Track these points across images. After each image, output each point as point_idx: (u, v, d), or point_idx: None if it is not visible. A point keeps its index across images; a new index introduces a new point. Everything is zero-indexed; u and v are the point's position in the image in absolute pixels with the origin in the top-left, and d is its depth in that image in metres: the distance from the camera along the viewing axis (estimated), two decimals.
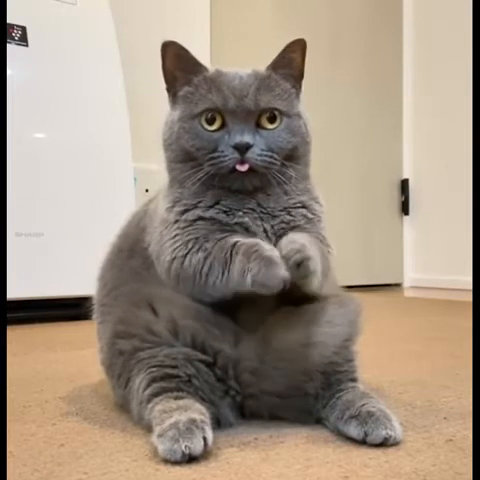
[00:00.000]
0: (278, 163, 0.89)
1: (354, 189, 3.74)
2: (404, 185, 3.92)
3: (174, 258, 0.88)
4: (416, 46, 3.90)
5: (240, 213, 0.89)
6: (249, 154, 0.86)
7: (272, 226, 0.90)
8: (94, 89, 2.35)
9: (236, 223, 0.89)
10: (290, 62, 0.94)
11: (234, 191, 0.90)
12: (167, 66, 0.93)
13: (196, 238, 0.88)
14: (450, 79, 3.63)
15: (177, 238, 0.89)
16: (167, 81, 0.94)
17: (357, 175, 3.78)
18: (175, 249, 0.88)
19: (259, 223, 0.89)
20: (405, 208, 3.92)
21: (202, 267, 0.86)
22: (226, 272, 0.83)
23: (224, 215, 0.89)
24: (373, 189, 3.84)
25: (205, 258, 0.86)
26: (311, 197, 0.95)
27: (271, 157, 0.88)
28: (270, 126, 0.89)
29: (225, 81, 0.89)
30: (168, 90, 0.95)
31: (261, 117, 0.89)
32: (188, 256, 0.87)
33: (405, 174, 3.94)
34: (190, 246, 0.87)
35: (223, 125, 0.88)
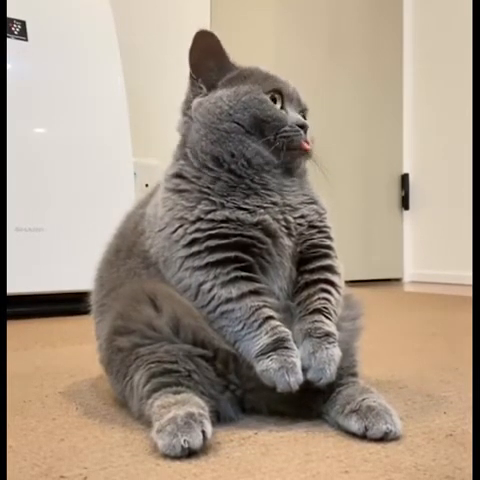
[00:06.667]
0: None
1: (354, 184, 3.74)
2: (404, 180, 3.92)
3: (190, 276, 0.88)
4: (416, 41, 3.89)
5: (261, 210, 0.90)
6: (307, 136, 0.94)
7: (295, 218, 0.92)
8: (94, 84, 2.35)
9: (257, 222, 0.89)
10: None
11: (286, 171, 0.94)
12: (201, 54, 0.95)
13: (215, 264, 0.87)
14: (450, 74, 3.63)
15: (195, 250, 0.88)
16: (197, 69, 0.96)
17: (357, 170, 3.77)
18: (194, 269, 0.88)
19: (280, 217, 0.91)
20: (405, 203, 3.93)
21: (219, 304, 0.86)
22: (244, 332, 0.84)
23: (248, 215, 0.89)
24: (373, 184, 3.84)
25: (227, 300, 0.86)
26: (315, 193, 0.99)
27: (312, 147, 0.96)
28: None
29: (272, 73, 0.98)
30: (194, 78, 0.97)
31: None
32: (209, 283, 0.87)
33: (405, 169, 3.94)
34: (211, 276, 0.87)
35: (281, 108, 0.95)
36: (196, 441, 0.72)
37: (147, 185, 2.54)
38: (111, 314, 0.92)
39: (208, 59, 0.95)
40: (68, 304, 2.10)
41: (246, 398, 0.88)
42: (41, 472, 0.69)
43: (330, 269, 0.94)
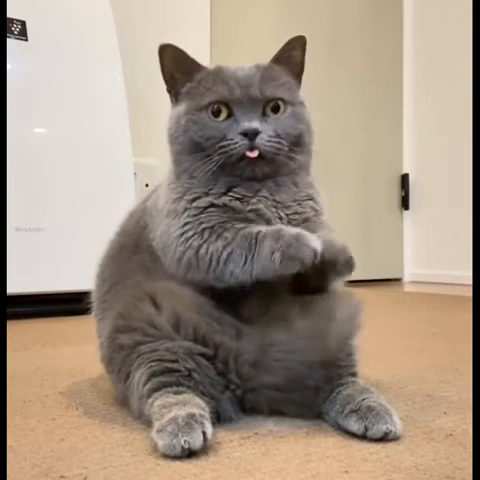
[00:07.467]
0: (286, 149, 0.91)
1: (354, 184, 3.74)
2: (404, 180, 3.92)
3: (188, 248, 0.88)
4: (416, 42, 3.89)
5: (254, 200, 0.90)
6: (258, 140, 0.88)
7: (287, 215, 0.92)
8: (94, 84, 2.35)
9: (251, 210, 0.89)
10: (291, 59, 0.97)
11: (245, 179, 0.91)
12: (166, 68, 0.95)
13: (211, 227, 0.88)
14: (450, 74, 3.63)
15: (188, 227, 0.89)
16: (167, 82, 0.96)
17: (357, 170, 3.77)
18: (188, 239, 0.88)
19: (273, 210, 0.91)
20: (405, 203, 3.92)
21: (220, 255, 0.86)
22: (249, 258, 0.84)
23: (238, 202, 0.90)
24: (373, 184, 3.84)
25: (224, 246, 0.86)
26: (314, 191, 0.97)
27: (278, 143, 0.90)
28: (275, 115, 0.92)
29: (229, 73, 0.92)
30: (169, 91, 0.97)
31: (266, 106, 0.91)
32: (204, 245, 0.87)
33: (405, 169, 3.94)
34: (206, 236, 0.88)
35: (229, 115, 0.90)
36: (196, 442, 0.73)
37: (147, 185, 2.54)
38: (112, 313, 0.92)
39: (173, 71, 0.95)
40: (68, 304, 2.10)
41: (246, 398, 0.88)
42: (41, 472, 0.69)
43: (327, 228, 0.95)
